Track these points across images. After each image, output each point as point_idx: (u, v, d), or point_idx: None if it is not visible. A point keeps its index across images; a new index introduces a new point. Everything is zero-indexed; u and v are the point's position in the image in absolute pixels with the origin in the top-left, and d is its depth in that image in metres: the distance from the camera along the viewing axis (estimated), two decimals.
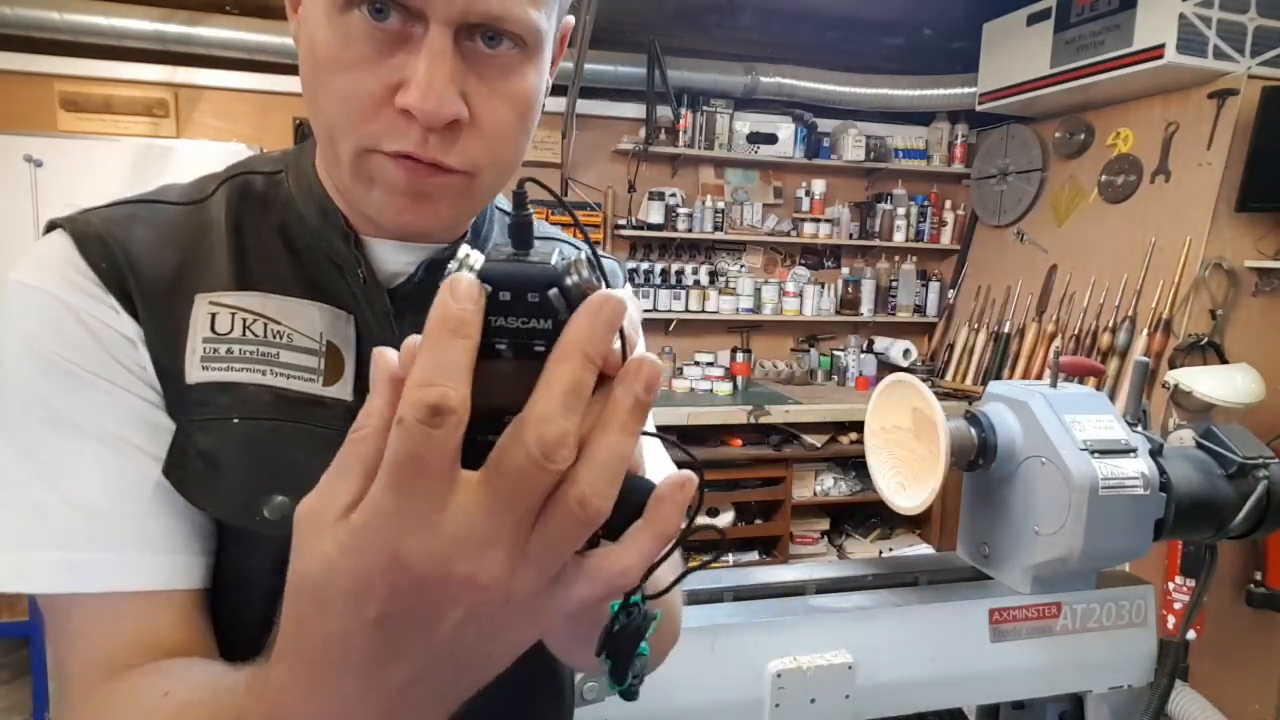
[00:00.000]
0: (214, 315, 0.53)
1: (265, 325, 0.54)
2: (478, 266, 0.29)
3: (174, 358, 0.52)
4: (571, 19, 0.58)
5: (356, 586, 0.28)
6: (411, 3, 0.46)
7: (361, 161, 0.50)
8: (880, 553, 3.28)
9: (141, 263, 0.53)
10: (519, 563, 0.28)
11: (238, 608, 0.54)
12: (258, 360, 0.54)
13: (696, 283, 3.74)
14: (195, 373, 0.52)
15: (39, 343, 0.49)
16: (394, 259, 0.59)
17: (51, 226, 0.54)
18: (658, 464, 0.70)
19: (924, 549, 3.17)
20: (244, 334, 0.54)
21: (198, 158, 3.18)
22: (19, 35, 2.90)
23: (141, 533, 0.50)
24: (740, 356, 3.76)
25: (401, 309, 0.58)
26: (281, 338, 0.55)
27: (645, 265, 3.69)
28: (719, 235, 3.71)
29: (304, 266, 0.57)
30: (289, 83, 3.24)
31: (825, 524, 3.50)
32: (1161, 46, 2.57)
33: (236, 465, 0.52)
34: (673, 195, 3.69)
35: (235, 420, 0.52)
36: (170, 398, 0.52)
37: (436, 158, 0.49)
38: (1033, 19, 3.11)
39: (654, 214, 3.63)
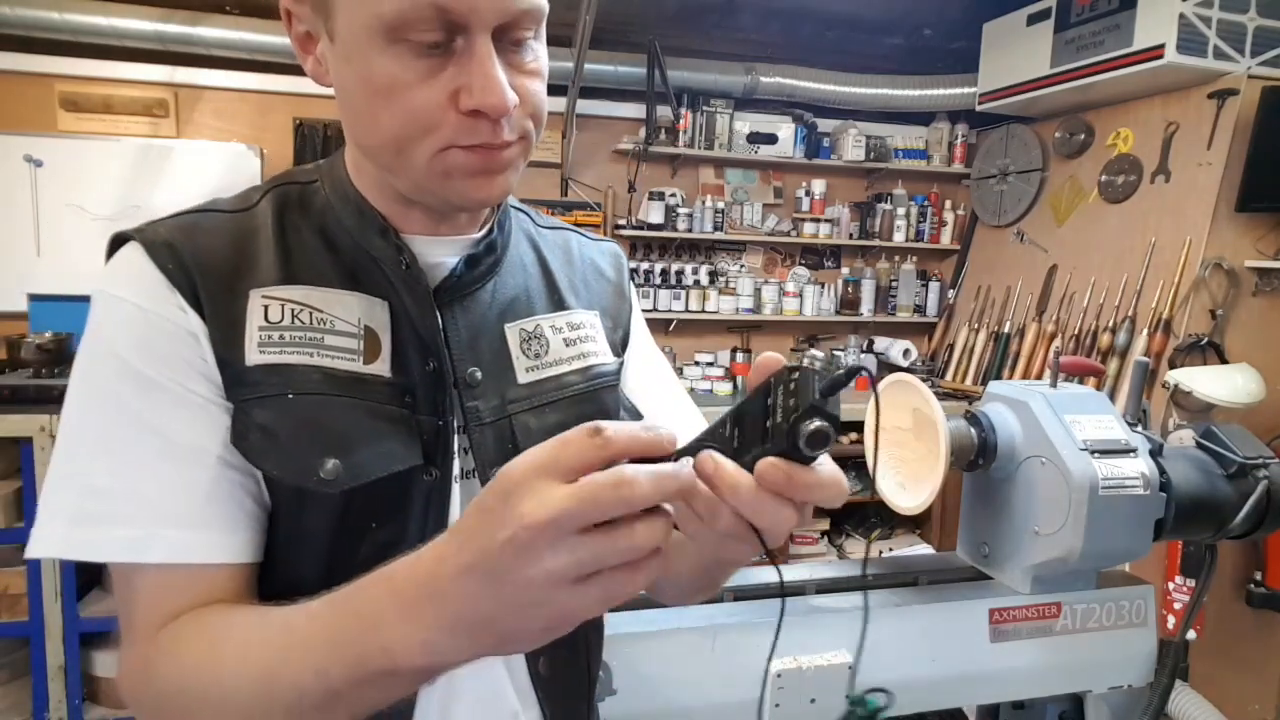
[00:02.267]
0: (266, 307, 0.61)
1: (310, 314, 0.63)
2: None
3: (234, 345, 0.60)
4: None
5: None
6: (456, 19, 0.54)
7: (437, 159, 0.58)
8: (880, 553, 3.28)
9: (206, 264, 0.61)
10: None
11: (296, 563, 0.62)
12: (306, 344, 0.62)
13: (696, 283, 3.74)
14: (254, 356, 0.60)
15: (121, 348, 0.58)
16: (429, 252, 0.67)
17: (120, 239, 0.62)
18: (666, 403, 0.84)
19: (924, 549, 3.17)
20: (293, 322, 0.62)
21: (198, 158, 3.18)
22: (19, 35, 2.90)
23: (202, 514, 0.57)
24: (740, 356, 3.76)
25: (448, 300, 0.67)
26: (325, 324, 0.63)
27: (645, 265, 3.69)
28: (719, 235, 3.71)
29: (342, 261, 0.65)
30: (289, 83, 3.24)
31: (825, 524, 3.50)
32: (1161, 46, 2.57)
33: (293, 435, 0.59)
34: (673, 195, 3.69)
35: (290, 396, 0.60)
36: (230, 380, 0.59)
37: (505, 139, 0.59)
38: (1033, 19, 3.11)
39: (654, 214, 3.63)
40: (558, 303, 0.75)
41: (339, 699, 0.48)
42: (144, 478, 0.57)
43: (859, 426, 2.10)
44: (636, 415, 0.80)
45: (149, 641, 0.56)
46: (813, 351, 0.59)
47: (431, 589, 0.44)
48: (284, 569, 0.62)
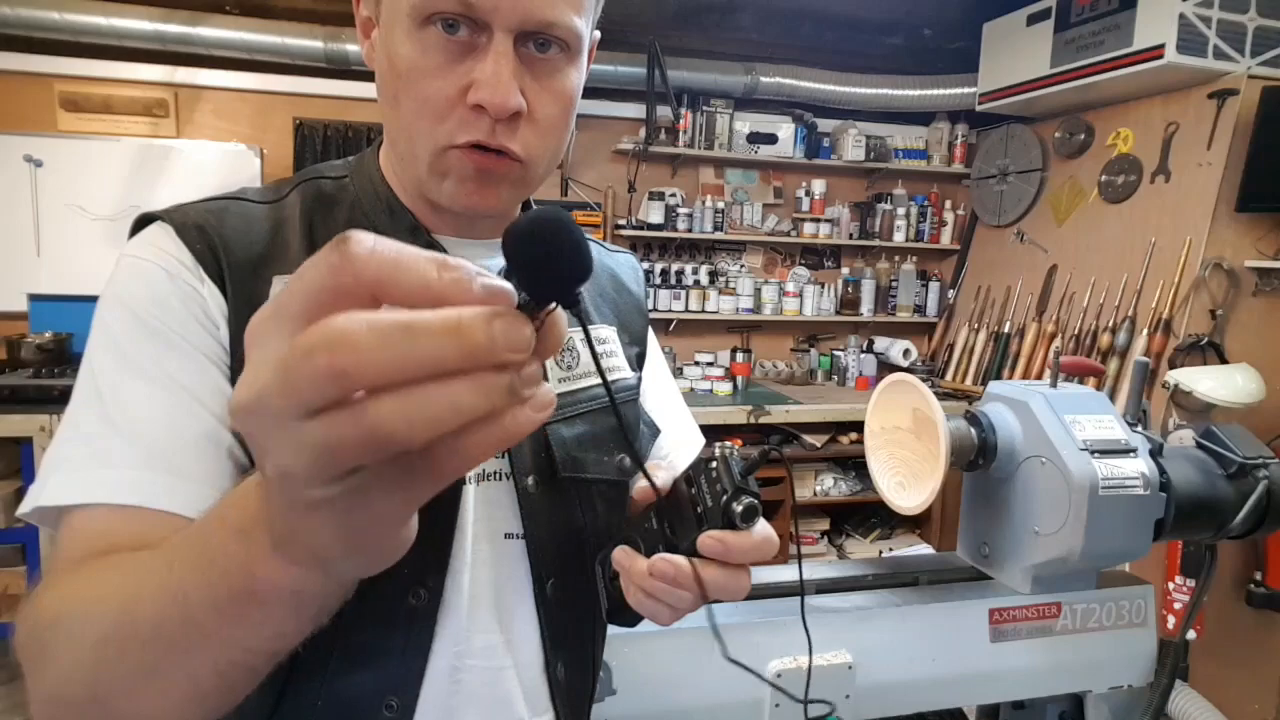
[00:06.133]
0: None
1: None
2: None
3: None
4: (599, 34, 0.67)
5: None
6: (479, 15, 0.55)
7: (438, 158, 0.60)
8: (880, 553, 3.28)
9: (234, 246, 0.62)
10: None
11: None
12: None
13: (696, 283, 3.74)
14: None
15: (135, 301, 0.58)
16: (457, 253, 0.67)
17: (146, 219, 0.63)
18: (675, 416, 0.86)
19: (924, 549, 3.17)
20: None
21: (198, 158, 3.18)
22: (19, 35, 2.90)
23: (178, 464, 0.55)
24: (740, 356, 3.76)
25: None
26: None
27: (645, 265, 3.69)
28: (719, 235, 3.71)
29: None
30: (289, 83, 3.24)
31: (825, 524, 3.50)
32: (1161, 46, 2.57)
33: None
34: (673, 195, 3.69)
35: None
36: (243, 361, 0.56)
37: (503, 144, 0.59)
38: (1033, 19, 3.11)
39: (654, 214, 3.63)
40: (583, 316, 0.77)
41: (199, 633, 0.39)
42: (126, 418, 0.55)
43: (859, 426, 2.10)
44: (655, 430, 0.82)
45: (69, 567, 0.50)
46: (724, 443, 0.61)
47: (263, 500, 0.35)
48: None
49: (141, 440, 0.54)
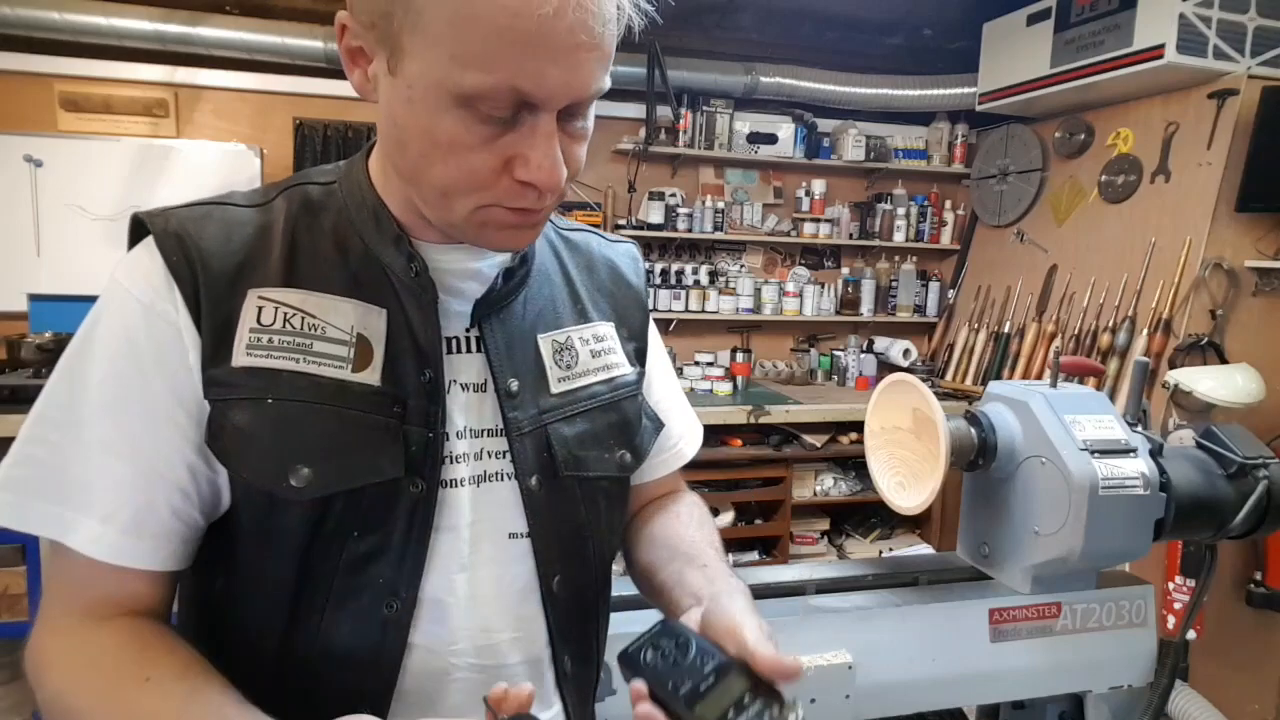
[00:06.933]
0: (260, 309, 0.62)
1: (303, 319, 0.63)
2: None
3: (224, 345, 0.60)
4: None
5: None
6: (529, 101, 0.55)
7: (477, 213, 0.60)
8: (880, 553, 3.28)
9: (211, 258, 0.61)
10: None
11: (263, 562, 0.62)
12: (293, 349, 0.62)
13: (696, 283, 3.73)
14: (240, 357, 0.60)
15: (107, 336, 0.60)
16: (444, 259, 0.68)
17: (138, 222, 0.63)
18: (676, 407, 0.87)
19: (924, 549, 3.17)
20: (284, 326, 0.62)
21: (198, 158, 3.18)
22: (19, 35, 2.90)
23: (127, 516, 0.58)
24: (740, 356, 3.76)
25: (486, 314, 0.69)
26: (316, 330, 0.63)
27: (645, 265, 3.68)
28: (719, 235, 3.71)
29: (349, 265, 0.66)
30: (289, 83, 3.24)
31: (825, 524, 3.50)
32: (1161, 46, 2.57)
33: (267, 439, 0.60)
34: (673, 195, 3.69)
35: (269, 400, 0.60)
36: (212, 380, 0.60)
37: (548, 206, 0.61)
38: (1033, 19, 3.11)
39: (654, 214, 3.63)
40: (581, 313, 0.77)
41: None
42: (81, 463, 0.58)
43: (859, 426, 2.11)
44: (659, 424, 0.82)
45: (55, 630, 0.60)
46: (796, 704, 0.64)
47: None
48: (251, 568, 0.63)
49: (95, 486, 0.58)
